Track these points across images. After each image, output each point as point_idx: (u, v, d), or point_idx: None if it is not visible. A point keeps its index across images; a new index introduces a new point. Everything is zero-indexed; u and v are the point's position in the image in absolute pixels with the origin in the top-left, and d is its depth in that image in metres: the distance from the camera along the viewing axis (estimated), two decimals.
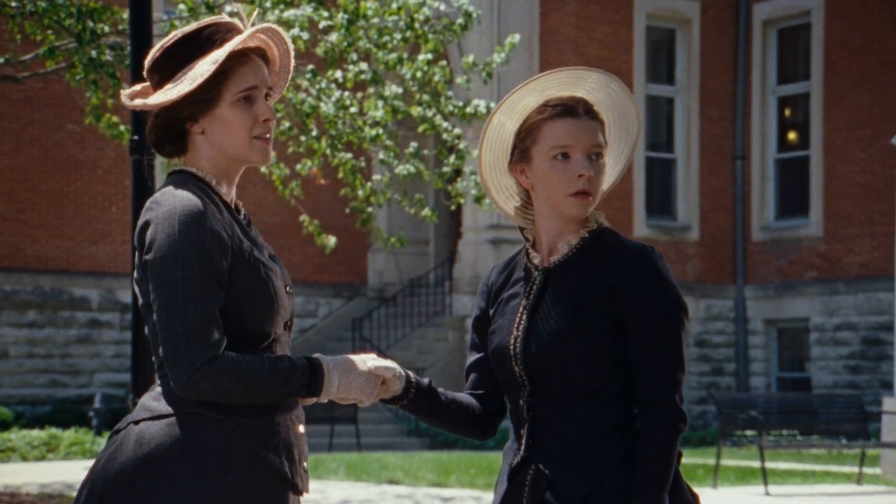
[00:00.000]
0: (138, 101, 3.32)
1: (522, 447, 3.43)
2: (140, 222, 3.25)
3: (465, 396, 3.58)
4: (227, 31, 3.32)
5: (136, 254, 3.27)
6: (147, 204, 3.26)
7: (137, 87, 3.38)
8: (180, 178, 3.31)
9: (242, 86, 3.30)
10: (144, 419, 3.23)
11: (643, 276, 3.35)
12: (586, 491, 3.32)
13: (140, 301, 3.29)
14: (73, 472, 16.21)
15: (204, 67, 3.25)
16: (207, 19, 3.35)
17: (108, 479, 3.19)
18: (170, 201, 3.22)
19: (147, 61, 3.35)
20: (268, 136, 3.35)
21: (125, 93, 3.37)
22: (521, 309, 3.46)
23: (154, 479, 3.16)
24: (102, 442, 19.18)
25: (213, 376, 3.14)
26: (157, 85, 3.32)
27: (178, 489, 3.16)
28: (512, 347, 3.44)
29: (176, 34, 3.32)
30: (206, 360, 3.14)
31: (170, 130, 3.32)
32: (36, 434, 19.17)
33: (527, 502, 3.40)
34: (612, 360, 3.36)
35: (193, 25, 3.32)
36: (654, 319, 3.33)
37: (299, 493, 3.34)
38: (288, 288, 3.37)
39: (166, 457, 3.17)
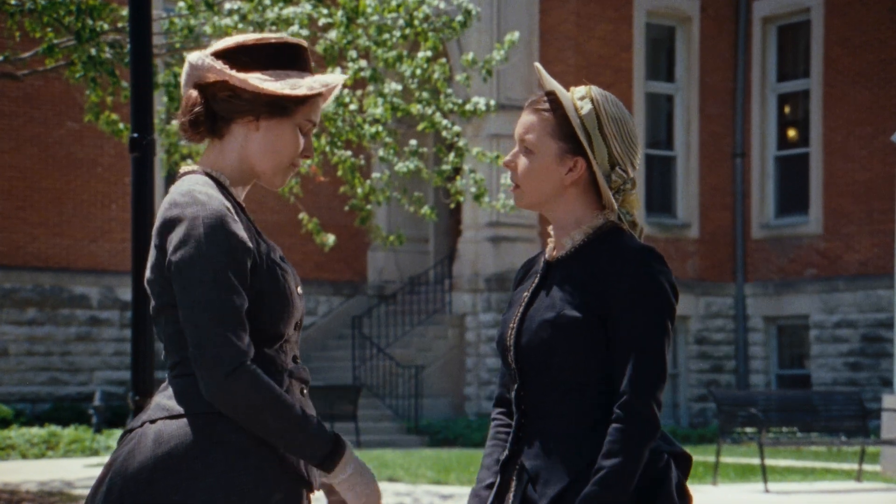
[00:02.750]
0: (237, 74, 3.29)
1: (510, 441, 3.45)
2: (160, 222, 3.23)
3: (497, 431, 3.60)
4: (309, 59, 3.41)
5: (155, 254, 3.24)
6: (166, 204, 3.24)
7: (205, 55, 3.35)
8: (198, 178, 3.31)
9: (311, 117, 3.36)
10: (161, 418, 3.22)
11: (632, 277, 3.33)
12: (563, 485, 3.33)
13: (153, 303, 3.27)
14: (72, 470, 16.22)
15: (312, 83, 3.31)
16: (295, 39, 3.39)
17: (126, 477, 3.19)
18: (192, 202, 3.21)
19: (231, 42, 3.35)
20: (298, 168, 3.42)
21: (206, 55, 3.34)
22: (523, 302, 3.49)
23: (174, 478, 3.16)
24: (102, 440, 19.18)
25: (240, 386, 3.13)
26: (241, 67, 3.31)
27: (198, 487, 3.16)
28: (509, 340, 3.46)
29: (280, 37, 3.36)
30: (237, 365, 3.13)
31: (228, 112, 3.32)
32: (35, 432, 19.18)
33: (513, 496, 3.42)
34: (597, 357, 3.35)
35: (294, 39, 3.38)
36: (636, 322, 3.31)
37: (311, 490, 3.35)
38: (299, 289, 3.38)
39: (186, 455, 3.16)
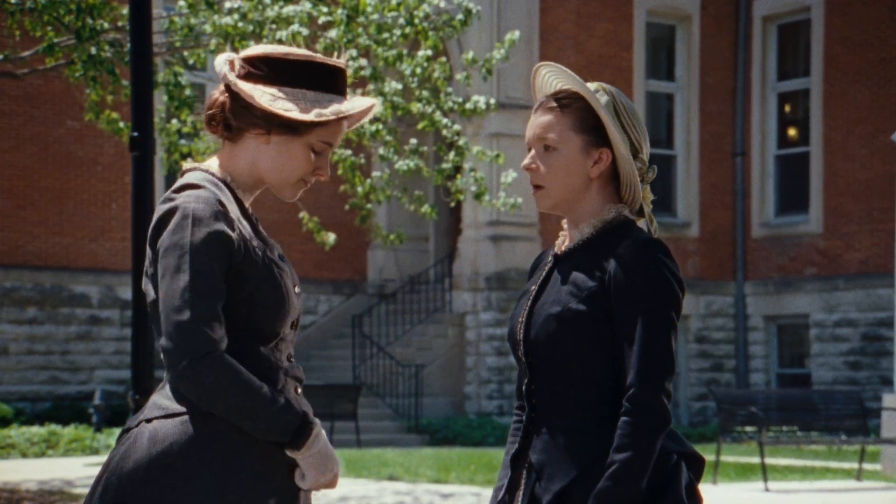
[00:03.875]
0: (244, 86, 3.30)
1: (521, 434, 3.45)
2: (156, 216, 3.26)
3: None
4: (343, 83, 3.37)
5: (149, 249, 3.27)
6: (164, 196, 3.27)
7: (232, 56, 3.36)
8: (198, 176, 3.33)
9: (326, 139, 3.34)
10: (157, 417, 3.22)
11: (638, 269, 3.33)
12: (568, 480, 3.32)
13: (150, 297, 3.28)
14: (72, 469, 16.22)
15: (324, 109, 3.29)
16: (335, 61, 3.37)
17: (122, 476, 3.19)
18: (186, 196, 3.24)
19: (259, 49, 3.35)
20: (309, 184, 3.41)
21: (225, 58, 3.35)
22: (531, 296, 3.49)
23: (169, 477, 3.16)
24: (102, 439, 19.18)
25: (209, 371, 3.13)
26: (256, 77, 3.31)
27: (194, 487, 3.16)
28: (518, 334, 3.46)
29: (308, 54, 3.34)
30: (207, 353, 3.13)
31: (240, 121, 3.33)
32: (36, 431, 19.17)
33: (522, 492, 3.42)
34: (603, 351, 3.35)
35: (323, 58, 3.35)
36: (642, 315, 3.30)
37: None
38: (296, 288, 3.38)
39: (181, 454, 3.17)
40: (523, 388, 3.46)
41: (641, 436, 3.25)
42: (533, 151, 3.47)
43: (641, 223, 3.52)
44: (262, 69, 3.32)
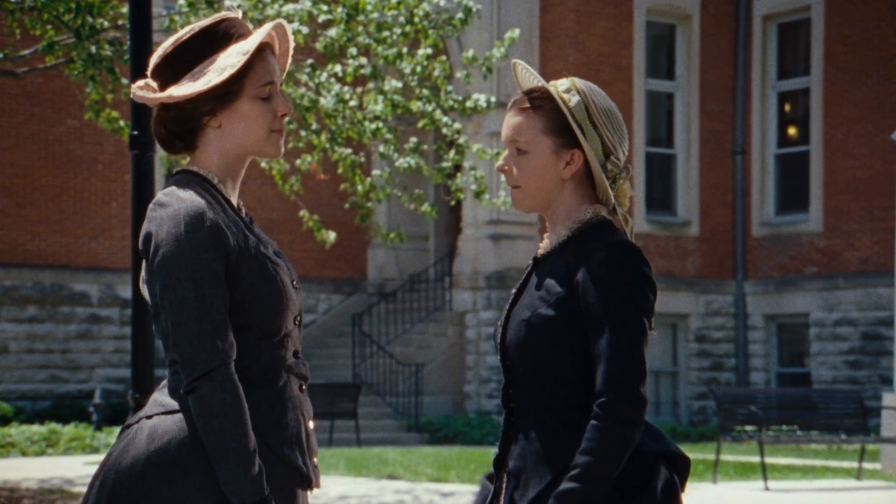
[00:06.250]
0: (160, 95, 3.29)
1: (501, 440, 3.45)
2: (144, 224, 3.25)
3: None
4: (240, 27, 3.34)
5: (143, 257, 3.27)
6: (151, 205, 3.26)
7: (141, 82, 3.36)
8: (183, 178, 3.31)
9: (263, 80, 3.32)
10: (157, 413, 3.22)
11: (607, 269, 3.28)
12: (541, 488, 3.30)
13: (150, 302, 3.28)
14: (72, 468, 16.22)
15: (232, 59, 3.27)
16: (218, 15, 3.35)
17: (120, 472, 3.19)
18: (174, 202, 3.22)
19: (157, 56, 3.34)
20: (282, 129, 3.37)
21: (136, 86, 3.34)
22: (511, 299, 3.48)
23: (167, 473, 3.16)
24: (102, 437, 19.19)
25: (220, 385, 3.13)
26: (170, 80, 3.31)
27: (191, 483, 3.16)
28: (497, 338, 3.45)
29: (192, 29, 3.32)
30: (222, 362, 3.13)
31: (184, 125, 3.32)
32: (36, 429, 19.18)
33: (503, 500, 3.41)
34: (574, 355, 3.32)
35: (207, 21, 3.33)
36: (612, 319, 3.25)
37: (311, 487, 3.33)
38: (294, 283, 3.37)
39: (179, 451, 3.16)
40: (503, 392, 3.46)
41: (607, 441, 3.21)
42: (507, 152, 3.44)
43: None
44: (167, 71, 3.31)
